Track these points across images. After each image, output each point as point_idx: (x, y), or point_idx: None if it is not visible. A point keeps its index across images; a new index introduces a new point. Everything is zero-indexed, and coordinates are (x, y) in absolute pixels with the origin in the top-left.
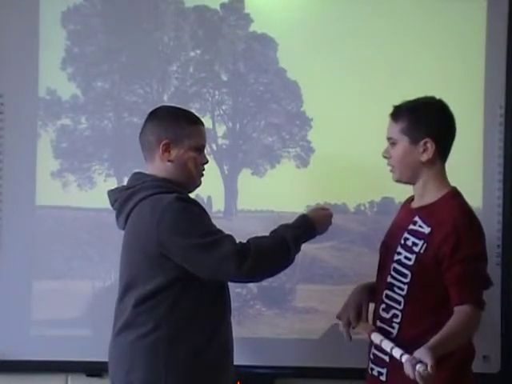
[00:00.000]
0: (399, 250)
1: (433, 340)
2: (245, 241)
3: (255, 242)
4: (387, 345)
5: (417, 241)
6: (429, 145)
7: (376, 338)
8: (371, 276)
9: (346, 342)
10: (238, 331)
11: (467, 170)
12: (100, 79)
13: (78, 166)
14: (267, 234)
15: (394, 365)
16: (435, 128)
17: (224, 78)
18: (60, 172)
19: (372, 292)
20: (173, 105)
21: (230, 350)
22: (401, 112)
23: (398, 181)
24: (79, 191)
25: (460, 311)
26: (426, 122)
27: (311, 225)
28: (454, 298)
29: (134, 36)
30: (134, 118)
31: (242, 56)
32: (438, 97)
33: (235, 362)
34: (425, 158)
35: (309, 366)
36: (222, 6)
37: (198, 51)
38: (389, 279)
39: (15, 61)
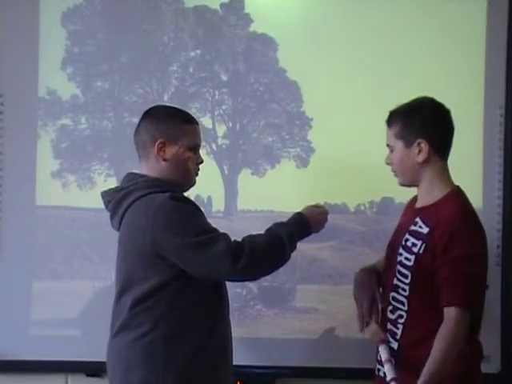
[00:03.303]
0: (401, 251)
1: (425, 370)
2: (240, 239)
3: (250, 240)
4: (385, 363)
5: (416, 241)
6: (423, 145)
7: (382, 351)
8: None
9: (345, 342)
10: (238, 331)
11: (467, 169)
12: (100, 79)
13: (78, 166)
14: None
15: (400, 366)
16: (426, 127)
17: (224, 77)
18: (60, 172)
19: (379, 274)
20: (168, 104)
21: (228, 349)
22: (393, 117)
23: (402, 185)
24: (79, 191)
25: (445, 320)
26: (416, 123)
27: (306, 223)
28: (442, 300)
29: (134, 36)
30: (134, 118)
31: (242, 56)
32: (438, 97)
33: (235, 362)
34: (421, 158)
35: (309, 366)
36: (222, 5)
37: (198, 51)
38: (394, 281)
39: (15, 61)
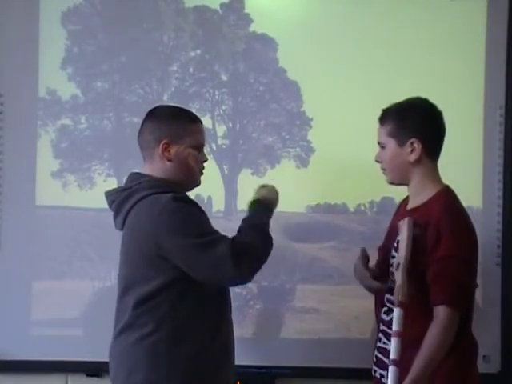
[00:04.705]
0: (393, 253)
1: (414, 368)
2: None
3: (245, 240)
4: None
5: None
6: (415, 145)
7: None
8: None
9: (345, 342)
10: (238, 331)
11: (467, 169)
12: (100, 79)
13: (78, 166)
14: None
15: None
16: (420, 127)
17: (224, 77)
18: (60, 172)
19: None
20: (170, 104)
21: (230, 349)
22: (386, 115)
23: (391, 183)
24: (79, 191)
25: (434, 319)
26: (410, 123)
27: (269, 206)
28: (431, 299)
29: (134, 36)
30: (134, 118)
31: (242, 56)
32: (438, 97)
33: (235, 362)
34: (413, 158)
35: (309, 366)
36: (222, 5)
37: (198, 51)
38: (389, 283)
39: (15, 61)
